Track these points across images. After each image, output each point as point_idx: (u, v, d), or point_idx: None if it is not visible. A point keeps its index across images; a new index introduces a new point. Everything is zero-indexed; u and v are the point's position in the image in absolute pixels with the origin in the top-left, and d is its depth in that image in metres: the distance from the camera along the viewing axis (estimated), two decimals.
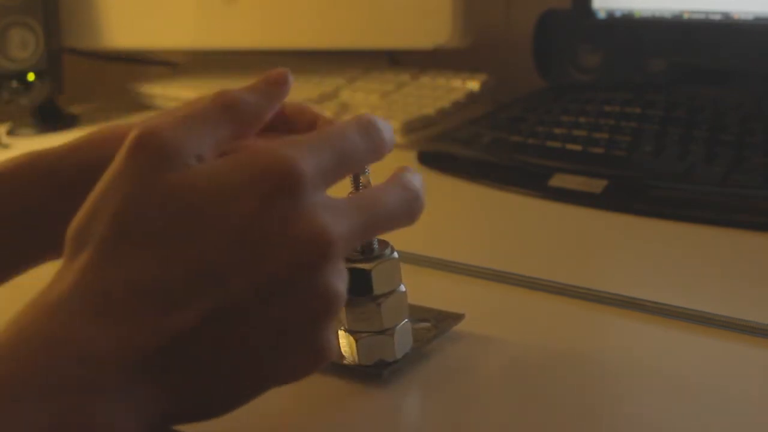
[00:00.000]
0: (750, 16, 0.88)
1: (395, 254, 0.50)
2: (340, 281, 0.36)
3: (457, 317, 0.55)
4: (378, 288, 0.49)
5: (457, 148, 0.88)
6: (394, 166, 0.46)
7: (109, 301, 0.33)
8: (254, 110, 0.39)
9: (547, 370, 0.51)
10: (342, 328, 0.51)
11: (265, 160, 0.35)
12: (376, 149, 0.40)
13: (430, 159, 0.88)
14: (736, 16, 0.89)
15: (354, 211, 0.37)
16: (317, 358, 0.37)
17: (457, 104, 1.00)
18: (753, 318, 0.53)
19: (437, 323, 0.55)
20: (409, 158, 0.89)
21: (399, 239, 0.52)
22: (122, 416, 0.33)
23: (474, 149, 0.87)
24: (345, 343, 0.51)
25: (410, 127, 0.94)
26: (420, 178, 0.42)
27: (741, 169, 0.73)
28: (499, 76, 1.04)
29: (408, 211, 0.40)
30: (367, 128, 0.40)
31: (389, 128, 0.42)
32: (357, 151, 0.39)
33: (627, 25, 0.96)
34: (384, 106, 0.99)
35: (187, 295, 0.34)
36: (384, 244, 0.50)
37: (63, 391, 0.32)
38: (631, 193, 0.75)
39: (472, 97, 1.01)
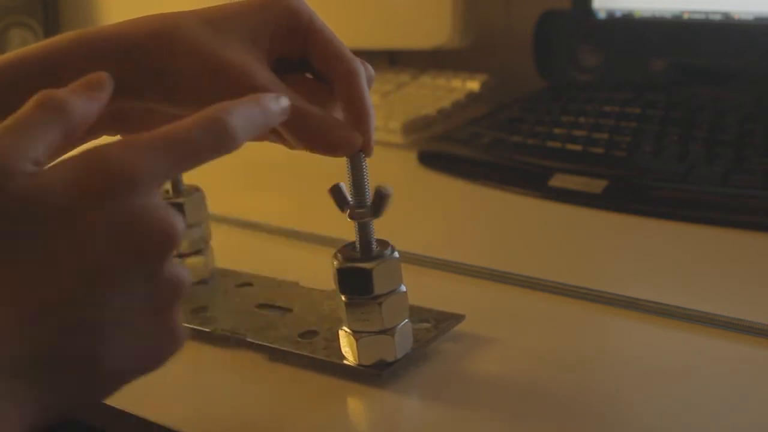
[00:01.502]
0: (750, 16, 0.88)
1: (396, 254, 0.50)
2: (181, 269, 0.38)
3: (458, 318, 0.55)
4: (378, 288, 0.49)
5: (457, 148, 0.88)
6: (395, 167, 0.46)
7: None
8: (80, 111, 0.39)
9: (547, 370, 0.51)
10: (343, 327, 0.51)
11: (88, 158, 0.36)
12: (221, 146, 0.39)
13: (430, 159, 0.88)
14: (736, 16, 0.89)
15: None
16: (173, 346, 0.39)
17: (457, 104, 0.99)
18: (753, 318, 0.53)
19: (437, 323, 0.55)
20: (409, 158, 0.89)
21: (399, 239, 0.52)
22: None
23: (474, 149, 0.87)
24: (345, 342, 0.51)
25: (410, 127, 0.94)
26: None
27: (741, 169, 0.73)
28: (499, 76, 1.04)
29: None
30: (211, 125, 0.39)
31: (248, 111, 0.41)
32: (198, 150, 0.39)
33: (627, 25, 0.96)
34: (384, 106, 0.99)
35: (50, 301, 0.35)
36: (385, 244, 0.50)
37: None
38: (631, 193, 0.75)
39: (472, 97, 1.01)
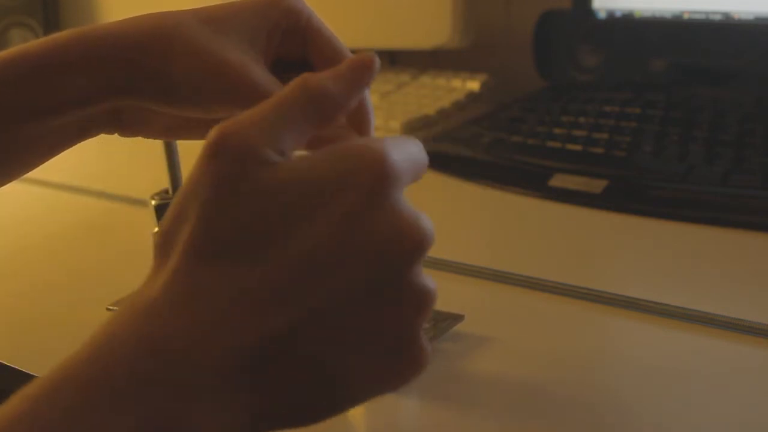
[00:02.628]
0: (750, 16, 0.88)
1: None
2: (429, 279, 0.35)
3: (457, 318, 0.55)
4: None
5: (457, 148, 0.88)
6: None
7: (203, 304, 0.33)
8: (338, 101, 0.37)
9: (547, 370, 0.51)
10: None
11: (358, 152, 0.34)
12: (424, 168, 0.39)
13: (430, 159, 0.87)
14: (736, 16, 0.89)
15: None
16: (418, 363, 0.35)
17: (457, 104, 0.99)
18: (753, 318, 0.53)
19: (437, 323, 0.55)
20: None
21: None
22: (211, 419, 0.32)
23: (474, 149, 0.87)
24: None
25: (410, 127, 0.94)
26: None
27: (741, 169, 0.73)
28: (499, 76, 1.04)
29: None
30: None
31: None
32: (420, 160, 0.38)
33: (627, 25, 0.96)
34: (384, 106, 0.99)
35: (283, 297, 0.33)
36: None
37: (151, 394, 0.32)
38: (631, 193, 0.75)
39: (472, 97, 1.01)
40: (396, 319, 0.34)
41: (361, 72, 0.38)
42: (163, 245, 0.35)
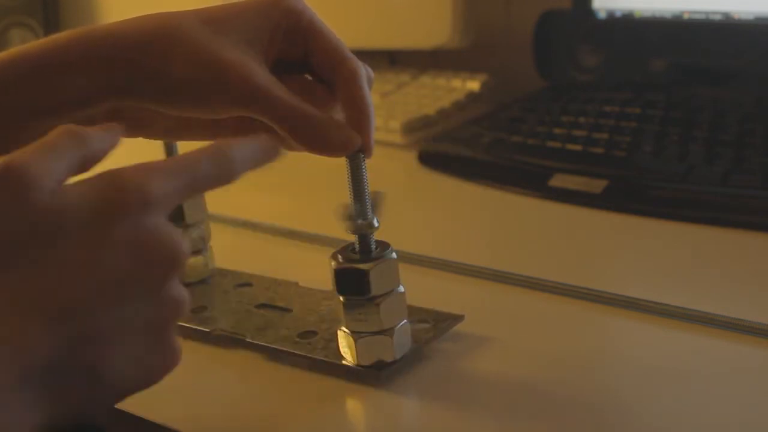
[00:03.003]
0: (750, 16, 0.88)
1: (394, 254, 0.50)
2: (183, 288, 0.40)
3: (457, 318, 0.55)
4: (376, 288, 0.49)
5: (457, 148, 0.88)
6: (395, 167, 0.46)
7: None
8: (98, 144, 0.41)
9: (547, 370, 0.51)
10: (341, 328, 0.51)
11: (107, 181, 0.38)
12: (222, 176, 0.42)
13: (430, 159, 0.88)
14: (736, 16, 0.89)
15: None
16: (173, 360, 0.40)
17: (457, 104, 0.99)
18: (753, 318, 0.53)
19: (436, 324, 0.55)
20: (409, 158, 0.89)
21: (399, 239, 0.52)
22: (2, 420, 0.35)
23: (474, 149, 0.87)
24: (344, 343, 0.51)
25: (410, 127, 0.94)
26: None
27: (741, 169, 0.73)
28: (499, 76, 1.04)
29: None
30: (217, 157, 0.42)
31: (248, 150, 0.44)
32: (203, 178, 0.41)
33: (627, 25, 0.96)
34: (384, 106, 0.99)
35: (62, 311, 0.36)
36: (383, 244, 0.50)
37: None
38: (631, 193, 0.75)
39: (472, 97, 1.01)
40: (149, 324, 0.39)
41: (110, 128, 0.43)
42: None
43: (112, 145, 0.42)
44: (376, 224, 0.50)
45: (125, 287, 0.37)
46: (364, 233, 0.50)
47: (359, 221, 0.49)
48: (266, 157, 0.45)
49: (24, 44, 0.48)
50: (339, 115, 0.50)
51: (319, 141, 0.48)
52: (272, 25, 0.49)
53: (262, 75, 0.47)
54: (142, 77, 0.47)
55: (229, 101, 0.47)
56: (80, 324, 0.36)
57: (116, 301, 0.37)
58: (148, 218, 0.38)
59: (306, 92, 0.50)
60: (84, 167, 0.40)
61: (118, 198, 0.38)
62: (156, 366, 0.40)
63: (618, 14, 0.96)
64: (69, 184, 0.39)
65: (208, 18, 0.48)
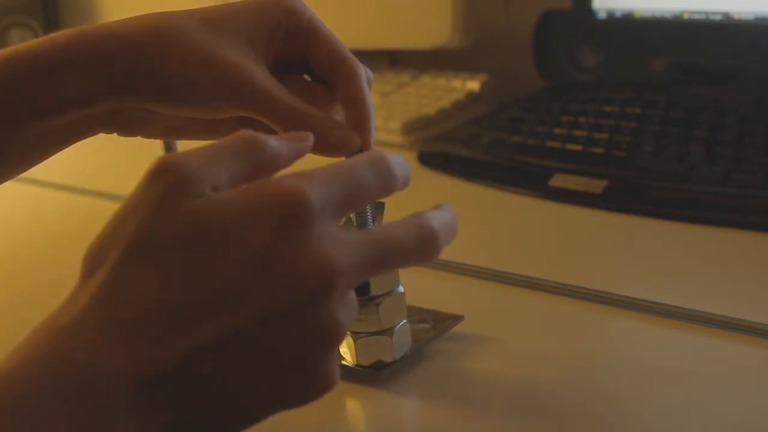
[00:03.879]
0: (750, 16, 0.88)
1: None
2: (343, 313, 0.36)
3: (457, 318, 0.55)
4: (375, 289, 0.49)
5: (457, 148, 0.88)
6: None
7: (120, 322, 0.34)
8: (274, 154, 0.40)
9: (547, 370, 0.51)
10: None
11: (276, 190, 0.36)
12: (385, 186, 0.41)
13: (430, 159, 0.88)
14: (736, 16, 0.89)
15: (363, 246, 0.38)
16: (320, 386, 0.37)
17: (457, 104, 0.99)
18: (753, 318, 0.53)
19: (436, 324, 0.55)
20: (409, 158, 0.88)
21: None
22: None
23: (474, 149, 0.86)
24: (344, 343, 0.51)
25: (410, 127, 0.94)
26: (445, 215, 0.43)
27: (741, 169, 0.73)
28: (499, 76, 1.04)
29: (419, 249, 0.40)
30: (378, 165, 0.40)
31: (402, 164, 0.42)
32: (366, 186, 0.39)
33: (627, 25, 0.96)
34: (384, 106, 0.99)
35: (196, 319, 0.34)
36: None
37: (70, 412, 0.33)
38: (631, 193, 0.75)
39: (472, 97, 1.01)
40: (299, 348, 0.36)
41: (298, 140, 0.41)
42: (91, 261, 0.36)
43: (294, 156, 0.41)
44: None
45: (274, 314, 0.35)
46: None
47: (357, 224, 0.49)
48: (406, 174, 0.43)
49: (22, 43, 0.48)
50: (339, 115, 0.50)
51: (318, 141, 0.48)
52: (272, 26, 0.49)
53: (261, 75, 0.47)
54: (141, 77, 0.47)
55: (228, 102, 0.47)
56: (204, 335, 0.34)
57: (256, 313, 0.34)
58: (308, 233, 0.35)
59: (306, 92, 0.49)
60: (257, 174, 0.39)
61: (278, 210, 0.35)
62: (304, 388, 0.37)
63: (618, 14, 0.96)
64: (228, 192, 0.37)
65: (207, 18, 0.48)
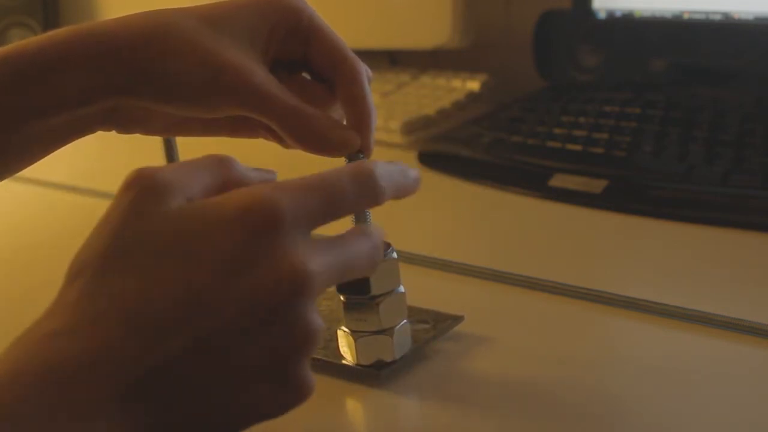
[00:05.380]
0: (750, 16, 0.88)
1: (394, 254, 0.50)
2: (315, 318, 0.37)
3: (457, 318, 0.55)
4: (376, 288, 0.49)
5: (457, 148, 0.88)
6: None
7: (99, 329, 0.34)
8: (242, 170, 0.41)
9: (547, 370, 0.51)
10: (341, 327, 0.51)
11: (247, 199, 0.37)
12: (368, 198, 0.41)
13: (430, 159, 0.88)
14: (736, 16, 0.89)
15: (331, 251, 0.38)
16: (298, 393, 0.37)
17: (457, 104, 0.99)
18: (753, 318, 0.53)
19: (436, 324, 0.55)
20: (409, 158, 0.88)
21: (399, 239, 0.52)
22: None
23: (474, 149, 0.86)
24: (344, 342, 0.51)
25: (410, 127, 0.94)
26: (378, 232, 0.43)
27: (741, 169, 0.73)
28: (499, 76, 1.04)
29: (372, 261, 0.41)
30: (360, 177, 0.41)
31: (394, 174, 0.43)
32: (344, 199, 0.40)
33: (627, 25, 0.96)
34: (384, 106, 0.99)
35: (171, 324, 0.35)
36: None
37: (53, 419, 0.33)
38: (631, 193, 0.75)
39: (472, 97, 1.01)
40: (275, 353, 0.36)
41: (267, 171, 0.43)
42: (72, 270, 0.37)
43: (262, 177, 0.42)
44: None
45: (248, 319, 0.35)
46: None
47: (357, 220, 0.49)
48: (410, 185, 0.44)
49: (21, 41, 0.48)
50: (338, 114, 0.50)
51: (317, 141, 0.48)
52: (271, 24, 0.49)
53: (260, 74, 0.47)
54: (140, 76, 0.47)
55: (228, 101, 0.47)
56: (175, 342, 0.34)
57: (231, 318, 0.35)
58: (279, 241, 0.36)
59: (306, 92, 0.49)
60: (226, 187, 0.40)
61: (250, 218, 0.36)
62: (280, 398, 0.37)
63: (618, 14, 0.96)
64: (204, 200, 0.38)
65: (206, 16, 0.48)
